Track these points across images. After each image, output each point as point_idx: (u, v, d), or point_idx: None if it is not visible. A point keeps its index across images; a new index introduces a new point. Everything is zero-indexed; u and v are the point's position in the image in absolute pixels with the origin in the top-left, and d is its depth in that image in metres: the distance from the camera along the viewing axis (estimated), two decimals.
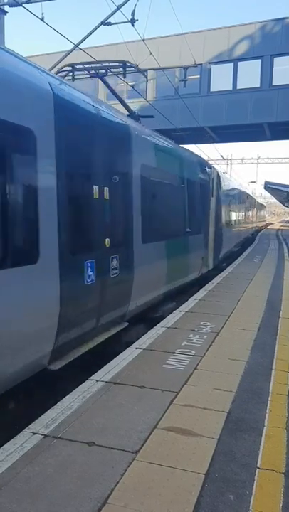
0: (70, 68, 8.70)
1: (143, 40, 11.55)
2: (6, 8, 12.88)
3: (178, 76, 19.69)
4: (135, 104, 20.65)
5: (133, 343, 5.98)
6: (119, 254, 6.24)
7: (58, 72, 8.64)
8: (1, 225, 3.80)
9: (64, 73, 8.75)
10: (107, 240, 5.79)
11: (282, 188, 30.56)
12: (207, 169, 12.43)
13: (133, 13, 10.50)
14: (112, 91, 8.40)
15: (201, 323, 6.96)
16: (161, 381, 4.57)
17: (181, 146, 11.07)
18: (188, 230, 9.98)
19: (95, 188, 5.50)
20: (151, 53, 12.38)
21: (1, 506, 2.64)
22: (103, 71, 8.85)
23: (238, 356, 5.41)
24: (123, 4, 10.15)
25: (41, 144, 4.31)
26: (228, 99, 20.09)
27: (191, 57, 16.68)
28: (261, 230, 43.98)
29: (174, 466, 3.10)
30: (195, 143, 23.49)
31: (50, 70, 7.28)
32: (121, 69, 8.89)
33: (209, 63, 20.17)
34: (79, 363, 5.28)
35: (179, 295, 9.85)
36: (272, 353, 5.60)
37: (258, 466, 3.12)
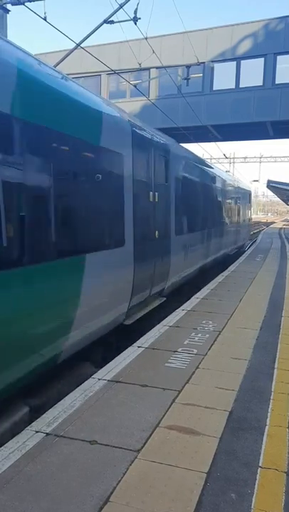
0: None
1: (146, 38, 11.52)
2: (9, 6, 12.86)
3: (181, 74, 19.62)
4: (138, 103, 20.66)
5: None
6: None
7: None
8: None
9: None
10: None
11: (285, 187, 30.43)
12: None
13: (136, 12, 10.46)
14: None
15: (203, 321, 6.96)
16: (164, 380, 4.57)
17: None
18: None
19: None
20: (154, 52, 12.37)
21: (4, 504, 2.65)
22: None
23: (240, 355, 5.41)
24: (126, 3, 10.13)
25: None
26: (231, 97, 20.00)
27: (193, 55, 16.63)
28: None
29: (175, 464, 3.10)
30: (198, 141, 23.45)
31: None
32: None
33: (212, 62, 20.05)
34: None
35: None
36: (274, 351, 5.59)
37: (260, 465, 3.13)
